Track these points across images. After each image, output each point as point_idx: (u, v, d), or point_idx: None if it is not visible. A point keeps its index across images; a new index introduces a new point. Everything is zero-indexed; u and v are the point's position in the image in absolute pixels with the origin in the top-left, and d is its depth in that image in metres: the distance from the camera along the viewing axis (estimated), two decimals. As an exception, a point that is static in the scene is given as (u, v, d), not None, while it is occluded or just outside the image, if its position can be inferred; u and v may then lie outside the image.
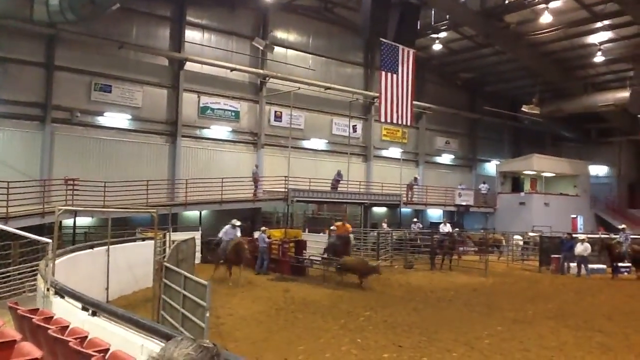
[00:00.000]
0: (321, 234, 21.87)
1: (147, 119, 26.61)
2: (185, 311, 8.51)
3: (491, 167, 42.07)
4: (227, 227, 18.63)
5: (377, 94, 30.51)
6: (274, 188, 27.16)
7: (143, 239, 16.31)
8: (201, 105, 28.41)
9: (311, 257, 19.89)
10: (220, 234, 18.59)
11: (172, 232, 18.20)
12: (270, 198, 27.09)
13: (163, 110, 27.27)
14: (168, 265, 10.20)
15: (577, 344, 10.11)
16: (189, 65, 27.54)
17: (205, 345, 1.57)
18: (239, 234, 18.46)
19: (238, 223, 18.79)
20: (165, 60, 27.37)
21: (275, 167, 28.93)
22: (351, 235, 21.40)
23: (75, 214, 19.12)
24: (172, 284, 9.43)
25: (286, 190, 26.31)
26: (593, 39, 31.31)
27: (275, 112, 31.08)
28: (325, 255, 20.01)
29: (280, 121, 31.15)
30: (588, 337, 10.61)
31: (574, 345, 10.00)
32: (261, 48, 29.56)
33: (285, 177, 26.75)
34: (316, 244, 21.82)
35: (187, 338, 1.63)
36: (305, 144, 32.45)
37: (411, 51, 28.18)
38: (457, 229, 27.83)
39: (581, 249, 21.74)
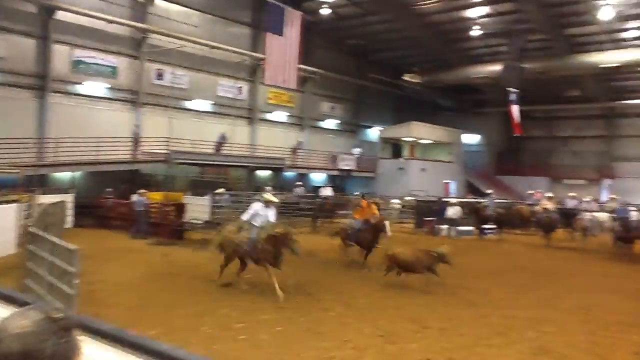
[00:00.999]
0: (204, 198, 21.33)
1: (11, 71, 24.28)
2: (52, 279, 8.00)
3: (374, 133, 43.28)
4: (257, 205, 11.87)
5: (264, 56, 30.15)
6: (155, 149, 26.14)
7: (6, 202, 15.02)
8: (74, 59, 26.38)
9: (192, 221, 19.45)
10: (246, 217, 11.79)
11: (41, 194, 16.98)
12: (151, 160, 26.06)
13: (31, 62, 25.01)
14: (34, 230, 9.50)
15: (445, 300, 10.77)
16: (60, 15, 25.35)
17: (53, 316, 1.39)
18: (272, 216, 11.76)
19: (275, 200, 12.57)
20: (33, 6, 24.96)
21: (157, 127, 27.79)
22: (387, 222, 15.27)
23: None
24: (39, 250, 8.81)
25: (167, 152, 25.44)
26: (472, 13, 32.87)
27: (157, 69, 29.68)
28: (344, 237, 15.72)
29: (163, 80, 29.85)
30: (455, 294, 11.34)
31: (442, 302, 10.65)
32: (142, 1, 27.95)
33: (167, 138, 25.79)
34: (199, 207, 21.33)
35: (37, 308, 1.44)
36: (189, 104, 31.39)
37: (298, 13, 28.06)
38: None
39: (452, 212, 23.28)
